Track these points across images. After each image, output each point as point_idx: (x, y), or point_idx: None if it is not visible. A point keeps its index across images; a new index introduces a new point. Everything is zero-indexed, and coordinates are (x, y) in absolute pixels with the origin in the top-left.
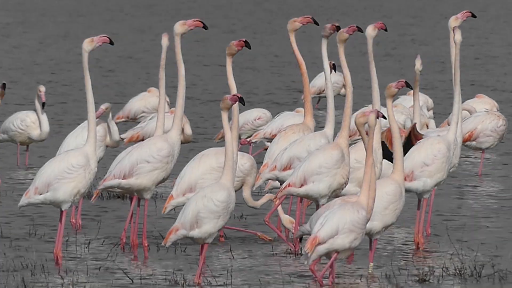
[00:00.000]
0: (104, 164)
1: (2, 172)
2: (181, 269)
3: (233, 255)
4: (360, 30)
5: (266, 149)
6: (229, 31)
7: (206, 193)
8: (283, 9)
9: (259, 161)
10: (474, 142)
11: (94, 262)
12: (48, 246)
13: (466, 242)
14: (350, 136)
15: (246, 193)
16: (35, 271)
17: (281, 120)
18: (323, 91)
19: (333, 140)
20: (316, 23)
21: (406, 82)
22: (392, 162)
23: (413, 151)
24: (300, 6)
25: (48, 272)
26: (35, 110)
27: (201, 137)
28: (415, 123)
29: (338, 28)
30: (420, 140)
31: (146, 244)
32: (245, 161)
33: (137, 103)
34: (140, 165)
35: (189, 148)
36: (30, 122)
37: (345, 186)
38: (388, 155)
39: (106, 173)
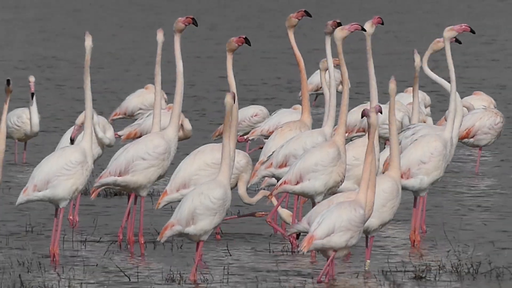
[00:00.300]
0: (101, 161)
1: None
2: (178, 266)
3: (229, 252)
4: (363, 29)
5: (262, 148)
6: (228, 28)
7: (203, 190)
8: (275, 8)
9: (254, 159)
10: (472, 139)
11: (90, 259)
12: (45, 243)
13: (463, 240)
14: (347, 133)
15: (242, 190)
16: (31, 268)
17: (278, 117)
18: (321, 88)
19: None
20: (309, 15)
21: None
22: None
23: (409, 149)
24: (295, 4)
25: (44, 269)
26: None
27: (198, 134)
28: None
29: (339, 25)
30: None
31: (142, 241)
32: (240, 158)
33: (134, 100)
34: (136, 162)
35: (186, 145)
36: (26, 119)
37: (341, 184)
38: None
39: (103, 169)
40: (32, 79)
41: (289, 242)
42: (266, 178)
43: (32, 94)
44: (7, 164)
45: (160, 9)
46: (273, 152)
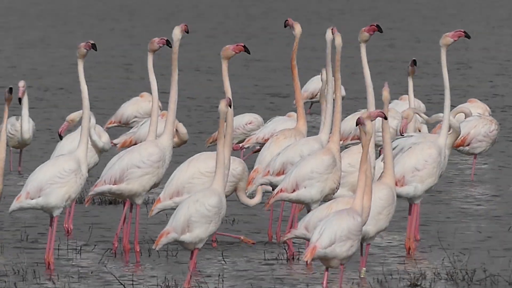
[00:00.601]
0: (95, 169)
1: None
2: (173, 274)
3: (224, 260)
4: (380, 29)
5: (257, 151)
6: (211, 35)
7: (198, 197)
8: (264, 13)
9: (249, 165)
10: (467, 147)
11: (85, 267)
12: (40, 251)
13: (458, 247)
14: (342, 141)
15: (243, 198)
16: (26, 276)
17: (273, 125)
18: (316, 95)
19: None
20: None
21: (377, 26)
22: None
23: (404, 156)
24: (286, 9)
25: (39, 278)
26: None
27: (192, 141)
28: None
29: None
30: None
31: (138, 249)
32: (236, 165)
33: (129, 108)
34: (131, 170)
35: (180, 152)
36: (19, 126)
37: (337, 191)
38: None
39: (98, 178)
40: (21, 84)
41: (285, 250)
42: (261, 186)
43: (19, 100)
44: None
45: (148, 17)
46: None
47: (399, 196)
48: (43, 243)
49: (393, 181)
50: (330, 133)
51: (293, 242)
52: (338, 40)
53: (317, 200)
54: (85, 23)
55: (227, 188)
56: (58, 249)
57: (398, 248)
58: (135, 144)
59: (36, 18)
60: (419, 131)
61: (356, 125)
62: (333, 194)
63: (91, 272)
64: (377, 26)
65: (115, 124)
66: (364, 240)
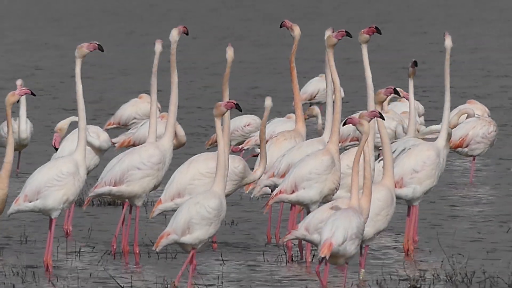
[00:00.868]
0: (95, 171)
1: None
2: (172, 276)
3: (223, 261)
4: (348, 35)
5: (255, 156)
6: (213, 38)
7: (199, 200)
8: (257, 16)
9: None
10: (465, 149)
11: (84, 269)
12: (39, 253)
13: (457, 249)
14: (340, 143)
15: (249, 177)
16: (25, 278)
17: (272, 127)
18: (314, 97)
19: None
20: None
21: (394, 89)
22: None
23: (402, 158)
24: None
25: (38, 279)
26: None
27: (193, 143)
28: None
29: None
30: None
31: (137, 251)
32: (237, 164)
33: (128, 109)
34: (131, 172)
35: (181, 153)
36: (17, 128)
37: (336, 192)
38: None
39: (97, 180)
40: (19, 82)
41: (284, 252)
42: (262, 188)
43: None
44: None
45: (143, 19)
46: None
47: (398, 198)
48: (42, 245)
49: (392, 183)
50: None
51: (293, 244)
52: (328, 42)
53: (316, 201)
54: (69, 24)
55: (230, 187)
56: (57, 251)
57: (397, 249)
58: (134, 144)
59: (23, 19)
60: (418, 131)
61: (343, 125)
62: (333, 195)
63: (90, 274)
64: (376, 28)
65: (114, 126)
66: (363, 241)
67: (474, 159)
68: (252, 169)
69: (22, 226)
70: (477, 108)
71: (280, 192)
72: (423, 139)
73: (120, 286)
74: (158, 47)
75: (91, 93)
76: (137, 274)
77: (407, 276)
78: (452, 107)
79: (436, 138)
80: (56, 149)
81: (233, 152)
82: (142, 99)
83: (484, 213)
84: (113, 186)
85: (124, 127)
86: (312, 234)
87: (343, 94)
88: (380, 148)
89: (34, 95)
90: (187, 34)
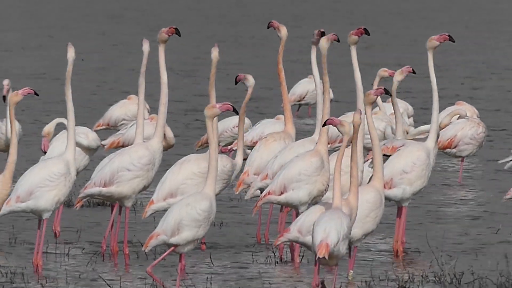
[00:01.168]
0: (86, 170)
1: None
2: (161, 277)
3: (212, 262)
4: (330, 36)
5: (245, 160)
6: (201, 39)
7: (189, 201)
8: (247, 18)
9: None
10: (454, 150)
11: (74, 270)
12: (28, 254)
13: (446, 250)
14: (329, 144)
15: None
16: (14, 279)
17: (261, 128)
18: (303, 98)
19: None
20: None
21: (385, 89)
22: None
23: (392, 159)
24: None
25: (28, 281)
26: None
27: (181, 144)
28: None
29: (323, 34)
30: (400, 148)
31: (126, 252)
32: (225, 162)
33: (117, 111)
34: (121, 173)
35: (170, 155)
36: (5, 129)
37: (325, 193)
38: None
39: (87, 180)
40: (6, 82)
41: (273, 253)
42: (250, 190)
43: (4, 98)
44: None
45: (131, 20)
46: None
47: (387, 199)
48: (31, 246)
49: (381, 184)
50: None
51: (285, 244)
52: (323, 43)
53: (306, 202)
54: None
55: (220, 186)
56: (47, 251)
57: (386, 250)
58: (123, 145)
59: (12, 20)
60: (407, 133)
61: (323, 126)
62: (322, 196)
63: (80, 275)
64: (365, 29)
65: (103, 127)
66: (352, 242)
67: (462, 160)
68: (242, 171)
69: (10, 227)
70: (466, 109)
71: (269, 193)
72: (412, 140)
73: (110, 286)
74: (146, 47)
75: (76, 95)
76: (127, 275)
77: (395, 277)
78: (441, 109)
79: (426, 138)
80: (45, 153)
81: (222, 152)
82: (131, 100)
83: (473, 214)
84: (103, 187)
85: (113, 128)
86: (305, 236)
87: (332, 95)
88: (370, 149)
89: (37, 95)
90: (179, 35)
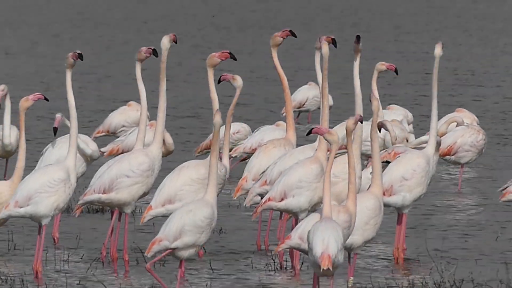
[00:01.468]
0: (85, 177)
1: None
2: (160, 284)
3: (212, 269)
4: (293, 34)
5: (244, 160)
6: (200, 45)
7: (191, 208)
8: (245, 24)
9: (237, 173)
10: (453, 157)
11: (74, 276)
12: (28, 260)
13: (446, 257)
14: (329, 151)
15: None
16: (14, 285)
17: (261, 134)
18: (303, 105)
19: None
20: (294, 35)
21: (292, 31)
22: None
23: (392, 166)
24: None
25: (27, 287)
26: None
27: (180, 150)
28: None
29: (334, 41)
30: (399, 155)
31: (126, 258)
32: (220, 167)
33: (117, 117)
34: (120, 179)
35: (169, 161)
36: (1, 134)
37: None
38: None
39: (87, 187)
40: (1, 87)
41: (273, 260)
42: (250, 197)
43: None
44: None
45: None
46: (266, 169)
47: (387, 206)
48: (31, 252)
49: (380, 191)
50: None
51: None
52: (325, 49)
53: (306, 209)
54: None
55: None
56: (46, 258)
57: (386, 257)
58: (122, 152)
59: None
60: (407, 140)
61: (307, 135)
62: (322, 203)
63: (79, 281)
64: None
65: (103, 134)
66: (352, 250)
67: (462, 167)
68: (239, 177)
69: (9, 233)
70: (465, 116)
71: (269, 199)
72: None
73: None
74: (139, 57)
75: (79, 101)
76: (126, 281)
77: (395, 284)
78: (440, 116)
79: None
80: (55, 132)
81: (221, 159)
82: (131, 107)
83: (473, 221)
84: (103, 193)
85: (113, 135)
86: (306, 243)
87: (331, 102)
88: (370, 156)
89: (47, 100)
90: (175, 42)
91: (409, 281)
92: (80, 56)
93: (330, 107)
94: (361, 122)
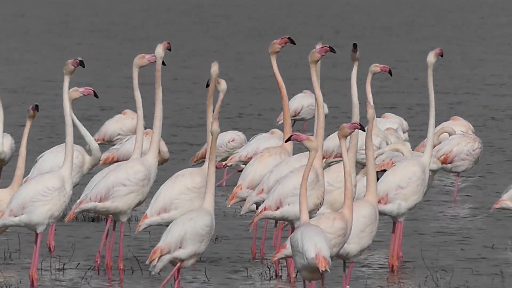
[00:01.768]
0: (81, 184)
1: None
2: None
3: (208, 278)
4: (332, 50)
5: (240, 171)
6: (197, 53)
7: (192, 216)
8: (239, 32)
9: (233, 182)
10: (449, 165)
11: (69, 284)
12: (23, 268)
13: (441, 265)
14: (325, 159)
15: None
16: None
17: (256, 143)
18: (298, 113)
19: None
20: (293, 42)
21: (360, 125)
22: None
23: (388, 174)
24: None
25: None
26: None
27: (175, 159)
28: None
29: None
30: (395, 163)
31: (121, 267)
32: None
33: (112, 126)
34: (116, 188)
35: (164, 170)
36: None
37: (321, 207)
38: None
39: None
40: None
41: (268, 268)
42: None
43: None
44: None
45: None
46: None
47: (383, 214)
48: (27, 260)
49: (375, 199)
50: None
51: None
52: (311, 58)
53: None
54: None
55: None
56: (41, 266)
57: (381, 265)
58: (117, 160)
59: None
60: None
61: (286, 142)
62: (317, 210)
63: None
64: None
65: (99, 142)
66: (348, 258)
67: (458, 176)
68: (233, 185)
69: (5, 242)
70: (461, 124)
71: (265, 208)
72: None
73: None
74: (139, 63)
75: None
76: None
77: None
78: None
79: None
80: (95, 93)
81: (217, 168)
82: (126, 115)
83: (468, 229)
84: (99, 202)
85: (108, 143)
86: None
87: (326, 111)
88: (364, 164)
89: (97, 97)
90: (169, 50)
91: None
92: (81, 63)
93: (326, 116)
94: (364, 130)
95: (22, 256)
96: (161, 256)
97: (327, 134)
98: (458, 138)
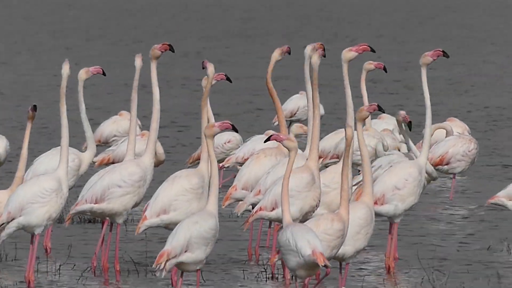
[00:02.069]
0: (77, 186)
1: None
2: None
3: (203, 279)
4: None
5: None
6: (194, 55)
7: (197, 219)
8: (230, 33)
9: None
10: (445, 167)
11: (65, 286)
12: (20, 270)
13: (437, 266)
14: (321, 159)
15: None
16: None
17: (252, 144)
18: (294, 114)
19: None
20: (289, 53)
21: (378, 106)
22: None
23: (384, 175)
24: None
25: None
26: None
27: (171, 160)
28: None
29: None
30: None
31: (118, 268)
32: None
33: (108, 127)
34: (112, 189)
35: (161, 171)
36: None
37: (317, 209)
38: None
39: (78, 197)
40: None
41: (264, 269)
42: (241, 206)
43: None
44: None
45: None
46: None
47: (379, 215)
48: (23, 262)
49: (371, 200)
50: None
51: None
52: (315, 59)
53: (297, 218)
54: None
55: None
56: (37, 268)
57: (378, 267)
58: (113, 162)
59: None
60: (399, 150)
61: (265, 142)
62: (313, 212)
63: None
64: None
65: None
66: (343, 260)
67: (454, 177)
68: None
69: (2, 243)
70: (457, 126)
71: (260, 209)
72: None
73: None
74: (138, 62)
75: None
76: None
77: None
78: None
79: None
80: (103, 71)
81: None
82: (122, 116)
83: (464, 231)
84: (94, 203)
85: (104, 144)
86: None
87: (322, 111)
88: (360, 165)
89: (105, 75)
90: (172, 51)
91: None
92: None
93: (321, 116)
94: (383, 111)
95: (18, 258)
96: (168, 260)
97: (322, 135)
98: (454, 140)
